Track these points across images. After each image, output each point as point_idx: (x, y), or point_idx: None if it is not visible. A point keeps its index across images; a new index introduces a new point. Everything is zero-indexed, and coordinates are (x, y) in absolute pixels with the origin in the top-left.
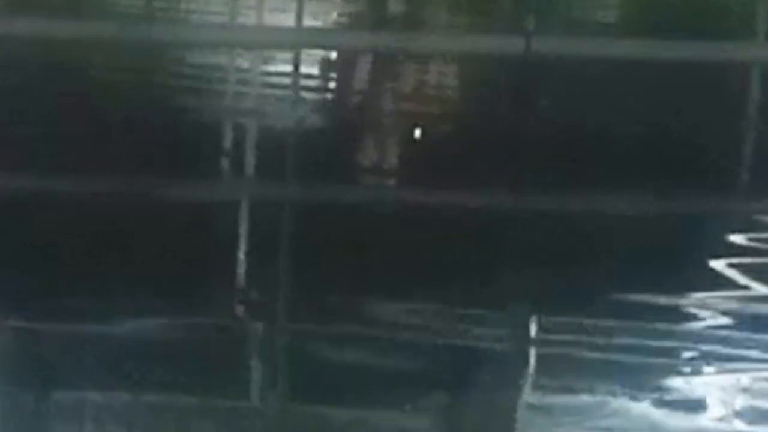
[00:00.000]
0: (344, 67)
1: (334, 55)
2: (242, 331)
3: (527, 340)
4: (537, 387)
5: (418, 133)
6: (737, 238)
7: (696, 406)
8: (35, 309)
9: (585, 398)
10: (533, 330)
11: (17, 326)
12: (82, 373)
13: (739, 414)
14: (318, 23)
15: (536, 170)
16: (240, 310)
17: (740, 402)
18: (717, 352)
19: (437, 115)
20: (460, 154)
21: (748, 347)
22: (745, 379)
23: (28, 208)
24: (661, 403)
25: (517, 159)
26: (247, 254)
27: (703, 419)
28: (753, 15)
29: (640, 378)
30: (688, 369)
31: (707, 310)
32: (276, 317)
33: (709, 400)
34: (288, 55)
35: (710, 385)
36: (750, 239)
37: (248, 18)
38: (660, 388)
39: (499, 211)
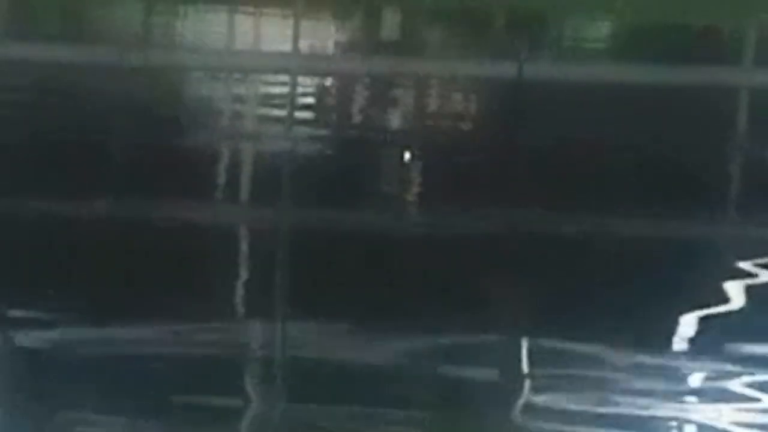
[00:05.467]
0: (339, 91)
1: (329, 79)
2: (239, 357)
3: (519, 370)
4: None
5: (408, 155)
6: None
7: None
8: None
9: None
10: (525, 359)
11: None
12: (78, 393)
13: None
14: (314, 49)
15: (528, 195)
16: (237, 331)
17: None
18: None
19: (433, 138)
20: (454, 177)
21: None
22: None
23: (22, 228)
24: None
25: (510, 183)
26: (243, 279)
27: None
28: (741, 40)
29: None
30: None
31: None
32: (273, 342)
33: None
34: (284, 79)
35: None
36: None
37: (245, 43)
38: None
39: (494, 235)
